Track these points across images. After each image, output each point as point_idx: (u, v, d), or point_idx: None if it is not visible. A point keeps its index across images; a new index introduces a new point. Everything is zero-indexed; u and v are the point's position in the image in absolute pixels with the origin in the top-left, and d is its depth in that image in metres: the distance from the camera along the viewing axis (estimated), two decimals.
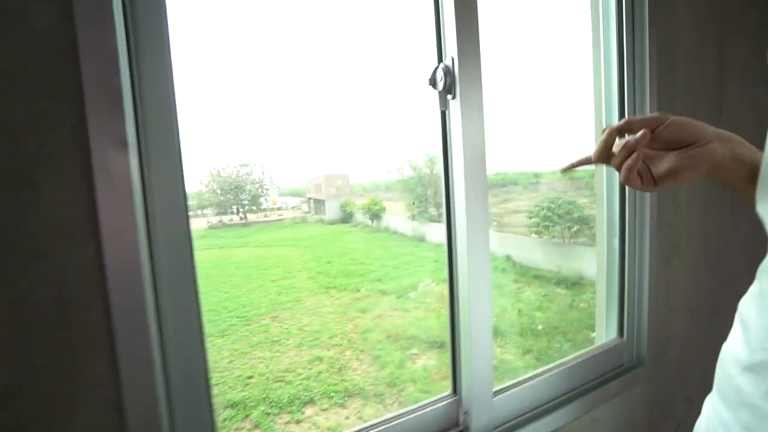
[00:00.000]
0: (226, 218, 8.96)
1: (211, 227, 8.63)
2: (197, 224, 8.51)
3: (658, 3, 0.91)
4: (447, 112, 0.71)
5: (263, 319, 4.79)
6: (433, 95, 0.72)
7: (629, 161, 0.45)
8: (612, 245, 0.96)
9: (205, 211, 8.76)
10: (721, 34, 1.11)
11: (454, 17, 0.66)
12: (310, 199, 9.82)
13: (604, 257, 0.97)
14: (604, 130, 0.49)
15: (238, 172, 9.08)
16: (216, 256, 7.18)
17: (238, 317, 4.83)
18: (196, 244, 0.52)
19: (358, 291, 5.38)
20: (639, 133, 0.45)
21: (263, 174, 9.24)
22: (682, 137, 0.45)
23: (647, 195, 0.93)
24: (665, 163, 0.46)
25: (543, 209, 5.91)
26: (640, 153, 0.45)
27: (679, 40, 1.00)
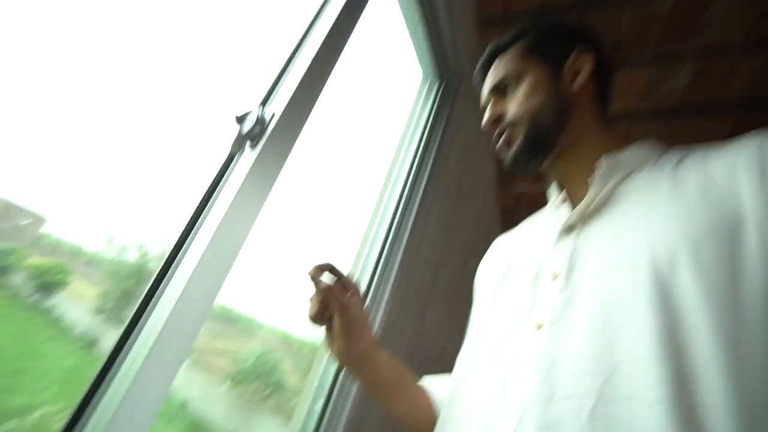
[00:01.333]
0: None
1: None
2: None
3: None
4: (237, 156, 0.55)
5: None
6: (224, 138, 0.57)
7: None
8: (313, 409, 0.83)
9: None
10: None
11: (302, 75, 0.59)
12: None
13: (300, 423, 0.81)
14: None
15: None
16: None
17: None
18: None
19: None
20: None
21: None
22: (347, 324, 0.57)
23: None
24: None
25: (248, 360, 5.53)
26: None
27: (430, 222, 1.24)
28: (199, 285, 0.47)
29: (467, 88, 1.35)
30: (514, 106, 0.58)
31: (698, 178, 0.44)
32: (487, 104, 0.62)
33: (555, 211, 0.57)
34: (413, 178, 1.14)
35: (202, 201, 0.54)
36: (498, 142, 0.60)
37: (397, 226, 1.05)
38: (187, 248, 0.50)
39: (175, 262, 0.49)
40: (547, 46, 0.60)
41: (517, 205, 2.39)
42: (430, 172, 1.17)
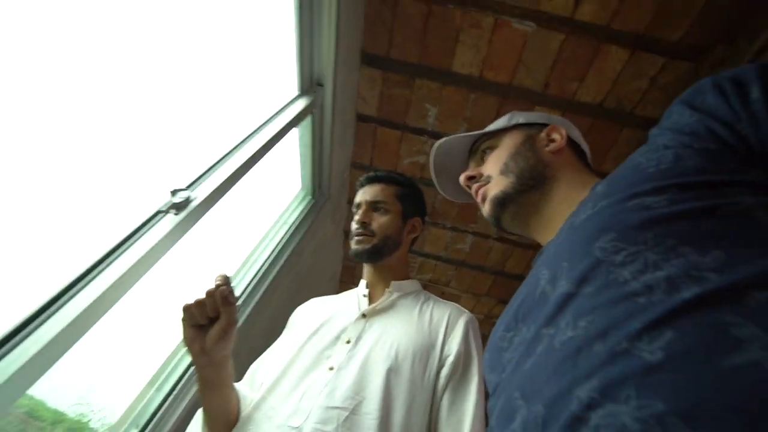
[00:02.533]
0: None
1: None
2: None
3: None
4: (161, 217, 0.81)
5: None
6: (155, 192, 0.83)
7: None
8: None
9: None
10: None
11: (228, 175, 0.91)
12: None
13: None
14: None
15: None
16: None
17: None
18: None
19: None
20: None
21: None
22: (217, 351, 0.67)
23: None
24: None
25: None
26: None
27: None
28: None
29: (330, 206, 1.82)
30: (377, 223, 0.94)
31: (428, 316, 0.86)
32: (361, 209, 0.95)
33: (359, 300, 0.93)
34: (273, 258, 1.46)
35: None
36: (359, 238, 0.92)
37: (247, 296, 1.31)
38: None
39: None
40: (408, 203, 0.99)
41: None
42: (285, 260, 1.51)
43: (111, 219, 0.81)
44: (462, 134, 0.70)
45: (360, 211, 0.97)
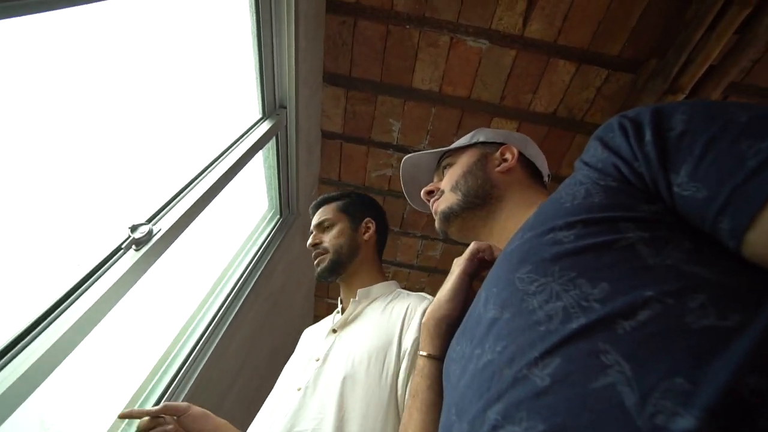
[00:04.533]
0: None
1: None
2: None
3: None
4: (121, 254, 0.80)
5: None
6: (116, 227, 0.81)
7: None
8: None
9: None
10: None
11: (189, 205, 0.91)
12: None
13: None
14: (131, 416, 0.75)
15: None
16: None
17: None
18: None
19: None
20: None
21: None
22: (197, 427, 0.75)
23: None
24: None
25: None
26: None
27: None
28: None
29: (299, 224, 1.82)
30: (326, 238, 0.95)
31: (388, 314, 0.85)
32: (312, 234, 0.97)
33: (333, 316, 0.94)
34: (244, 279, 1.44)
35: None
36: (316, 260, 0.95)
37: (219, 317, 1.30)
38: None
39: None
40: (352, 210, 1.00)
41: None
42: (256, 279, 1.50)
43: (69, 258, 0.79)
44: (428, 151, 0.75)
45: (311, 236, 0.99)
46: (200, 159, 1.07)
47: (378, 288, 0.92)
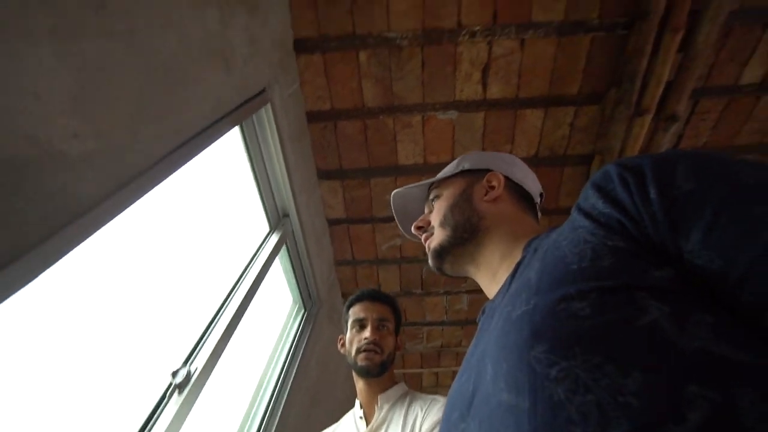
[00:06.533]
0: None
1: None
2: None
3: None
4: (166, 401, 0.88)
5: None
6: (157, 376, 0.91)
7: None
8: None
9: None
10: None
11: (217, 340, 1.01)
12: None
13: None
14: None
15: None
16: None
17: None
18: None
19: None
20: None
21: None
22: None
23: None
24: None
25: None
26: None
27: None
28: None
29: (325, 311, 1.90)
30: (384, 341, 0.99)
31: (411, 416, 0.91)
32: (370, 326, 1.00)
33: (356, 422, 0.99)
34: (282, 379, 1.50)
35: None
36: (369, 354, 0.97)
37: (268, 419, 1.35)
38: None
39: None
40: (397, 316, 1.07)
41: None
42: (294, 375, 1.55)
43: (114, 411, 0.87)
44: (416, 184, 0.75)
45: (369, 328, 1.00)
46: (220, 287, 1.19)
47: (394, 391, 1.00)
